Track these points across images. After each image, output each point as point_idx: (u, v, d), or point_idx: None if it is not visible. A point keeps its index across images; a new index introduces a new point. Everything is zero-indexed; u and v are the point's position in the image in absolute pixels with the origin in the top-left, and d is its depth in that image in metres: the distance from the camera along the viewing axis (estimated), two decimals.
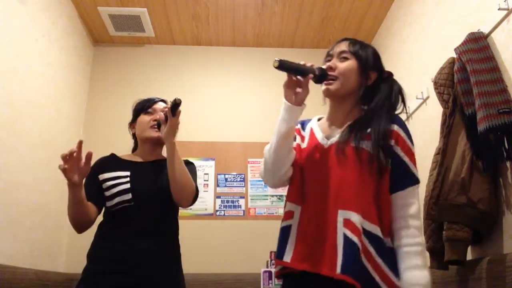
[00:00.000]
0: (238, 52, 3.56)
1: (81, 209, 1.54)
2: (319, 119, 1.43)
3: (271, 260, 2.77)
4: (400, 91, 1.36)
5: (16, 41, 2.31)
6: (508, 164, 1.64)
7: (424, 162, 2.38)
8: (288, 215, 1.26)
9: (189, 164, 1.73)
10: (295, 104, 1.24)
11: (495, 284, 1.55)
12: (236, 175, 3.22)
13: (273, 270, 2.69)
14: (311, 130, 1.36)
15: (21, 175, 2.33)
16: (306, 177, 1.26)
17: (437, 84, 1.94)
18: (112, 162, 1.71)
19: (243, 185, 3.20)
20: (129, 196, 1.58)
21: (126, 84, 3.39)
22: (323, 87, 1.31)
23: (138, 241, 1.55)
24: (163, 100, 1.80)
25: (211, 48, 3.56)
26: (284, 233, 1.24)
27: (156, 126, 1.69)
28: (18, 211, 2.31)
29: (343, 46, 1.33)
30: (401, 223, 1.19)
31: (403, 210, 1.20)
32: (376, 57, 1.36)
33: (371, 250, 1.14)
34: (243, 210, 3.14)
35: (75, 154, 1.42)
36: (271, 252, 2.78)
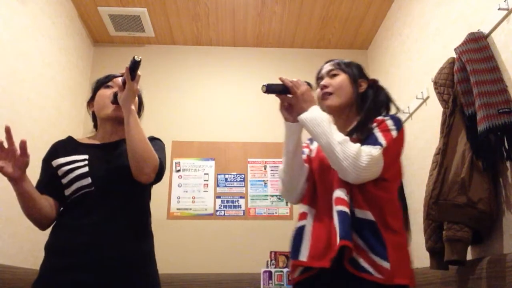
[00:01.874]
0: (238, 52, 3.56)
1: (32, 204, 1.39)
2: None
3: (271, 260, 2.77)
4: (386, 96, 1.45)
5: (16, 41, 2.31)
6: (508, 164, 1.64)
7: (424, 162, 2.38)
8: (303, 216, 1.34)
9: (154, 140, 1.55)
10: (294, 122, 1.32)
11: (495, 284, 1.55)
12: (236, 175, 3.22)
13: (273, 270, 2.69)
14: None
15: None
16: (317, 182, 1.36)
17: (437, 84, 1.94)
18: (68, 146, 1.53)
19: (243, 185, 3.20)
20: (88, 180, 1.41)
21: None
22: (324, 104, 1.40)
23: (103, 230, 1.36)
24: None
25: (211, 48, 3.56)
26: (299, 233, 1.31)
27: (113, 99, 1.49)
28: (18, 211, 2.30)
29: (329, 67, 1.46)
30: None
31: None
32: (361, 68, 1.49)
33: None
34: (243, 210, 3.14)
35: (5, 145, 1.28)
36: (271, 252, 2.78)
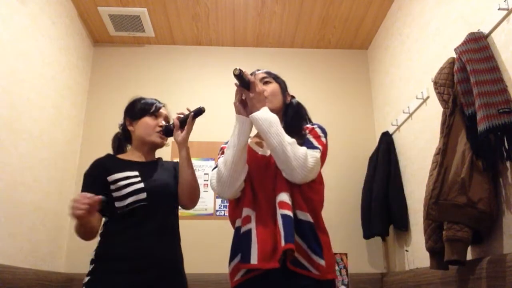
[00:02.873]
0: (238, 52, 3.56)
1: (90, 230, 1.54)
2: None
3: None
4: (306, 112, 1.59)
5: (16, 41, 2.31)
6: (508, 164, 1.64)
7: (424, 162, 2.38)
8: (247, 219, 1.36)
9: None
10: (248, 116, 1.38)
11: (495, 284, 1.55)
12: None
13: None
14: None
15: (21, 175, 2.33)
16: (255, 184, 1.40)
17: (437, 84, 1.94)
18: (115, 162, 1.70)
19: None
20: (143, 195, 1.60)
21: (126, 84, 3.38)
22: None
23: (154, 239, 1.58)
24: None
25: (211, 48, 3.56)
26: (246, 237, 1.33)
27: (162, 132, 1.76)
28: (18, 211, 2.31)
29: (262, 74, 1.59)
30: None
31: None
32: (285, 82, 1.63)
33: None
34: None
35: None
36: None
